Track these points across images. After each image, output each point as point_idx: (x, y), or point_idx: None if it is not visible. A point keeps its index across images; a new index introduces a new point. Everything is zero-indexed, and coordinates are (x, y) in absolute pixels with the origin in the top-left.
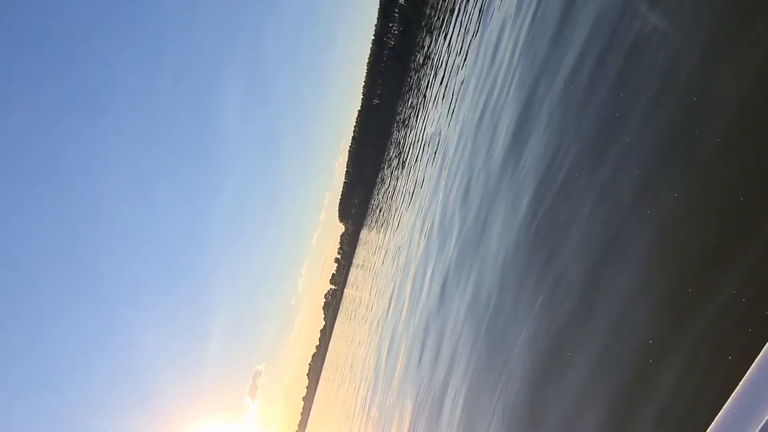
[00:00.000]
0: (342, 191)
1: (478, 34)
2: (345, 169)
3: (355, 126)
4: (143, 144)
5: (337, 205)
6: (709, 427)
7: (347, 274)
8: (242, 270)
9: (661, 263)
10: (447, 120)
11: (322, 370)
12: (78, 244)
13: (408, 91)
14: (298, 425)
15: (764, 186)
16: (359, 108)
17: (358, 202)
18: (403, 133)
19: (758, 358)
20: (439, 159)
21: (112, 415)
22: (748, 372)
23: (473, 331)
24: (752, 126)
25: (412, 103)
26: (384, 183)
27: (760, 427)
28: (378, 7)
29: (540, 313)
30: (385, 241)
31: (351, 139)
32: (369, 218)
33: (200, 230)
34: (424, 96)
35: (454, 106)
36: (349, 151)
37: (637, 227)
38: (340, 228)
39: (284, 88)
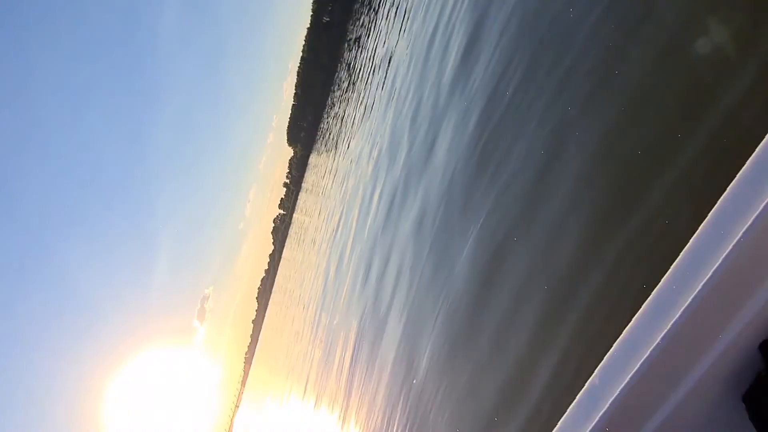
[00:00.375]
0: (290, 114)
1: None
2: (293, 91)
3: (304, 45)
4: (76, 61)
5: (286, 129)
6: (632, 320)
7: (296, 198)
8: (187, 192)
9: (598, 176)
10: (399, 39)
11: (271, 294)
12: (10, 167)
13: (360, 8)
14: (248, 347)
15: (697, 94)
16: (308, 26)
17: (307, 126)
18: (354, 53)
19: (677, 260)
20: (390, 80)
21: (55, 345)
22: (666, 274)
23: (418, 249)
24: (698, 31)
25: (363, 21)
26: (334, 106)
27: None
28: None
29: (483, 227)
30: (335, 165)
31: (300, 59)
32: (318, 142)
33: (141, 151)
34: (376, 13)
35: (407, 25)
36: (298, 72)
37: (580, 141)
38: (289, 152)
39: (228, 2)
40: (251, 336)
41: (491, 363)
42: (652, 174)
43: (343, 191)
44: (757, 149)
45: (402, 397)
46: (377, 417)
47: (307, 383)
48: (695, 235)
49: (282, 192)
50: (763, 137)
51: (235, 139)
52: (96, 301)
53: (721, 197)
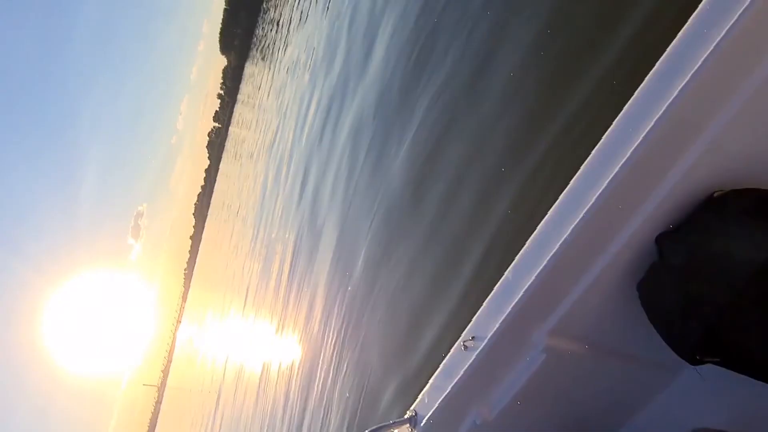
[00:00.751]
0: (222, 19)
1: None
2: None
3: None
4: None
5: (218, 35)
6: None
7: (232, 110)
8: (113, 103)
9: (528, 78)
10: None
11: (209, 209)
12: None
13: None
14: (187, 263)
15: None
16: None
17: (240, 32)
18: None
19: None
20: None
21: None
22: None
23: (355, 156)
24: None
25: None
26: (269, 10)
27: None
28: None
29: (419, 131)
30: (271, 74)
31: None
32: (254, 50)
33: (61, 56)
34: None
35: None
36: None
37: (514, 41)
38: (222, 61)
39: None
40: (190, 252)
41: (422, 261)
42: (579, 75)
43: (279, 102)
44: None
45: (338, 303)
46: (314, 324)
47: (246, 296)
48: (604, 135)
49: (216, 104)
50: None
51: (162, 47)
52: (19, 220)
53: (633, 96)
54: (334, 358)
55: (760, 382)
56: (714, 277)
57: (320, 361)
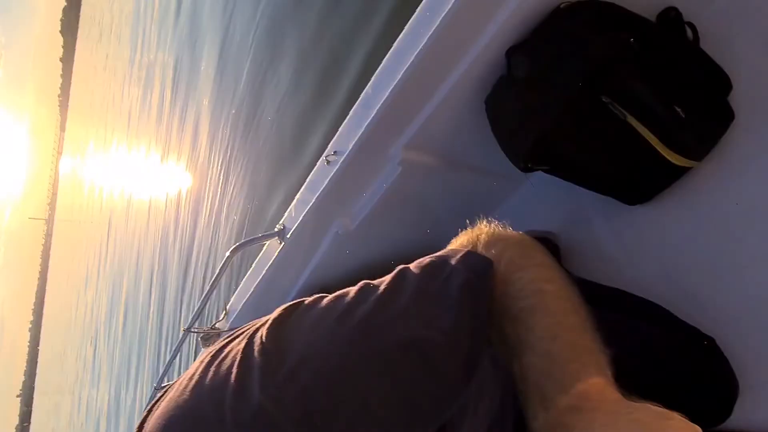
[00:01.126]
0: None
1: None
2: None
3: None
4: None
5: None
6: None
7: None
8: None
9: None
10: None
11: (78, 26)
12: None
13: None
14: (60, 88)
15: None
16: None
17: None
18: None
19: None
20: None
21: None
22: None
23: None
24: None
25: None
26: None
27: None
28: None
29: None
30: None
31: None
32: None
33: None
34: None
35: None
36: None
37: None
38: None
39: None
40: (62, 75)
41: (305, 73)
42: None
43: None
44: None
45: (222, 125)
46: (200, 149)
47: (129, 122)
48: None
49: None
50: None
51: None
52: None
53: None
54: (220, 180)
55: (580, 187)
56: (549, 88)
57: (207, 185)
